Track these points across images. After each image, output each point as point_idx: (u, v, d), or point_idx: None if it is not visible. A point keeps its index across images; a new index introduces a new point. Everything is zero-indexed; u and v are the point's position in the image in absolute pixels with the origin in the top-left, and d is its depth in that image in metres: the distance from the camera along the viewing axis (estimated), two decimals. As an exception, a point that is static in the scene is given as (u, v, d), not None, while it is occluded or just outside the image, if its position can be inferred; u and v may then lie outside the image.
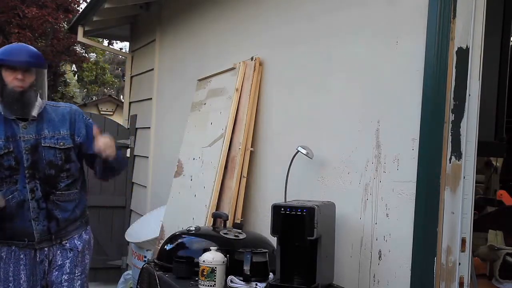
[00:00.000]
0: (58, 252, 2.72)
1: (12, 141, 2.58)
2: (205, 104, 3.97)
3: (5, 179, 2.58)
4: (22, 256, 2.67)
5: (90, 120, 2.82)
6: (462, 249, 2.19)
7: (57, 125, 2.66)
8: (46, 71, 2.71)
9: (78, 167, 2.75)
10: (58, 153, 2.64)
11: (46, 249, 2.69)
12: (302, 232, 2.27)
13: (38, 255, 2.69)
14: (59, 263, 2.71)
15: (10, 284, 2.68)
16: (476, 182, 2.28)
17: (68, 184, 2.69)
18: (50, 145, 2.63)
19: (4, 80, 2.56)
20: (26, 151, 2.59)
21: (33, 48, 2.73)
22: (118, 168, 2.82)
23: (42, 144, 2.62)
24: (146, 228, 4.45)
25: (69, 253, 2.73)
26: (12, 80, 2.54)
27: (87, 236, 2.82)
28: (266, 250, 2.58)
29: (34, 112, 2.61)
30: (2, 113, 2.60)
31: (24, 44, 2.77)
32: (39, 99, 2.64)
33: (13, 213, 2.60)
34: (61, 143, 2.65)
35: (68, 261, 2.72)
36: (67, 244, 2.74)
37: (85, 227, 2.83)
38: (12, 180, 2.58)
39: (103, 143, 2.57)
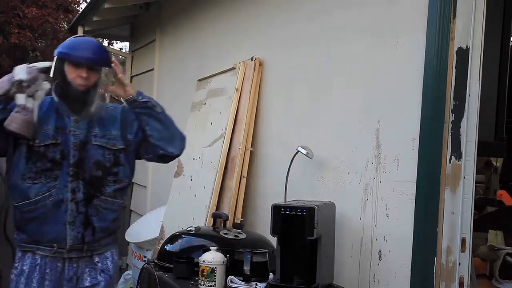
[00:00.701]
0: (87, 270, 2.40)
1: (61, 133, 2.33)
2: (205, 104, 3.97)
3: (44, 172, 2.29)
4: (47, 271, 2.33)
5: None
6: (462, 249, 2.19)
7: (108, 125, 2.42)
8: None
9: (127, 173, 2.46)
10: (107, 154, 2.38)
11: (75, 265, 2.36)
12: (302, 232, 2.27)
13: (66, 270, 2.35)
14: (87, 284, 2.40)
15: None
16: (476, 182, 2.28)
17: (115, 190, 2.40)
18: (101, 144, 2.38)
19: (66, 76, 2.31)
20: (74, 146, 2.33)
21: (99, 43, 2.48)
22: (155, 109, 2.42)
23: (93, 142, 2.37)
24: (146, 228, 4.44)
25: (99, 275, 2.41)
26: (75, 77, 2.29)
27: (116, 258, 2.53)
28: (266, 250, 2.58)
29: (93, 110, 2.36)
30: (56, 104, 2.36)
31: (91, 39, 2.48)
32: (98, 99, 2.39)
33: (46, 213, 2.30)
34: (112, 144, 2.40)
35: (98, 287, 2.42)
36: (99, 264, 2.42)
37: (116, 246, 2.53)
38: (52, 175, 2.30)
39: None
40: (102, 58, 2.36)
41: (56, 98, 2.36)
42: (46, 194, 2.29)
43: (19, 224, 2.36)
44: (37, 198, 2.28)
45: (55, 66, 2.32)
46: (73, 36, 2.48)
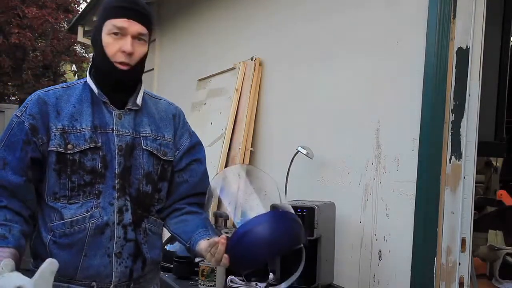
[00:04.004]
0: None
1: (101, 133, 1.71)
2: (205, 104, 3.97)
3: (83, 188, 1.69)
4: None
5: (194, 131, 1.94)
6: (462, 249, 2.19)
7: (160, 125, 1.82)
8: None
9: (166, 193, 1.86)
10: (156, 164, 1.79)
11: None
12: (302, 232, 2.27)
13: None
14: None
15: None
16: (476, 182, 2.28)
17: (158, 210, 1.83)
18: (152, 151, 1.77)
19: (103, 48, 1.68)
20: (119, 151, 1.72)
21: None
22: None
23: (143, 146, 1.76)
24: (146, 228, 4.45)
25: None
26: (116, 52, 1.66)
27: None
28: (266, 250, 2.58)
29: (139, 100, 1.77)
30: (94, 89, 1.73)
31: None
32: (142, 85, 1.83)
33: (85, 240, 1.69)
34: (163, 152, 1.80)
35: None
36: None
37: (159, 277, 1.96)
38: (93, 191, 1.70)
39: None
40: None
41: (91, 83, 1.74)
42: (87, 215, 1.70)
43: (43, 252, 1.70)
44: (73, 219, 1.69)
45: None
46: None
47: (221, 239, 1.61)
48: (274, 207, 1.65)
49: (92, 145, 1.69)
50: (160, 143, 1.80)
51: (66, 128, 1.68)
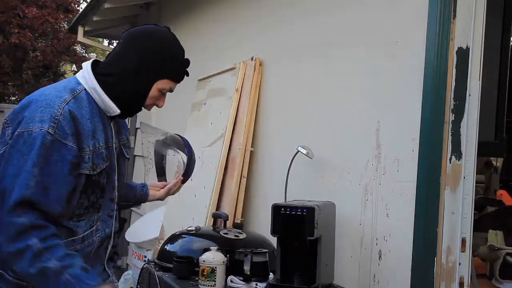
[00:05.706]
0: None
1: (107, 148, 1.71)
2: (205, 104, 3.97)
3: (91, 206, 1.68)
4: None
5: None
6: (462, 249, 2.19)
7: (126, 128, 1.88)
8: None
9: None
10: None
11: None
12: (302, 232, 2.27)
13: None
14: None
15: None
16: (476, 182, 2.28)
17: None
18: (128, 157, 1.86)
19: (147, 94, 1.71)
20: (117, 163, 1.77)
21: None
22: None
23: (126, 155, 1.83)
24: (146, 228, 4.44)
25: None
26: (152, 104, 1.76)
27: None
28: (266, 250, 2.58)
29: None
30: (115, 109, 1.70)
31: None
32: None
33: (91, 252, 1.72)
34: (129, 154, 1.89)
35: None
36: None
37: None
38: (96, 206, 1.70)
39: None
40: None
41: (108, 100, 1.68)
42: (93, 229, 1.71)
43: None
44: (84, 234, 1.69)
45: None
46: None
47: (179, 178, 2.07)
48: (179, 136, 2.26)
49: (107, 163, 1.68)
50: (128, 146, 1.86)
51: (94, 148, 1.63)
